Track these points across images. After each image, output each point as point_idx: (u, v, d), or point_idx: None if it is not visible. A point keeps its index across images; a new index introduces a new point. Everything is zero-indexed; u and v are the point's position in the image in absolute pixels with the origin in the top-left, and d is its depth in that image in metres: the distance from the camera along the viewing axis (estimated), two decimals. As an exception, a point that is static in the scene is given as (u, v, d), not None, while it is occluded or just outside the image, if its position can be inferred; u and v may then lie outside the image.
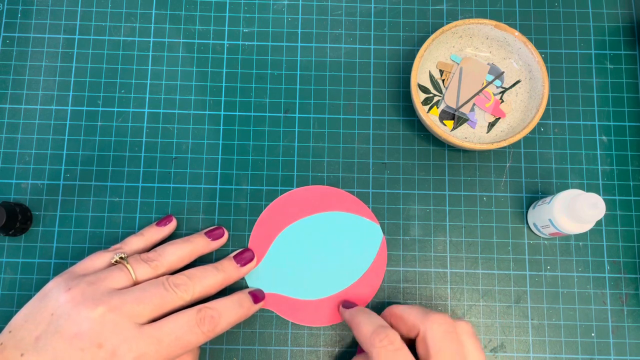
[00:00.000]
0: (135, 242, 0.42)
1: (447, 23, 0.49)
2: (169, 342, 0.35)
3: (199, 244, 0.42)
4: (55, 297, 0.35)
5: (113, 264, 0.39)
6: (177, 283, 0.38)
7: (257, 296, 0.42)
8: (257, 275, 0.44)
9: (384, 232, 0.45)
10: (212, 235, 0.43)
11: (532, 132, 0.48)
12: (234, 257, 0.43)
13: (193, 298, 0.38)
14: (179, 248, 0.41)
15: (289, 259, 0.45)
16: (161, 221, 0.44)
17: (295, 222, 0.45)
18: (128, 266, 0.38)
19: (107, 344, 0.34)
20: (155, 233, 0.43)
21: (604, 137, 0.48)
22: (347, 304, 0.42)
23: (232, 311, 0.39)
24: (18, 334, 0.34)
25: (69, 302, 0.35)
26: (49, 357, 0.33)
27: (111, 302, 0.35)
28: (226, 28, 0.50)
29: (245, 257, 0.43)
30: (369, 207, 0.46)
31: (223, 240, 0.44)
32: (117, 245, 0.41)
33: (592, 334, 0.44)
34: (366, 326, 0.37)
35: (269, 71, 0.49)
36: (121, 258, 0.39)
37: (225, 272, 0.41)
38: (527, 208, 0.46)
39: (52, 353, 0.33)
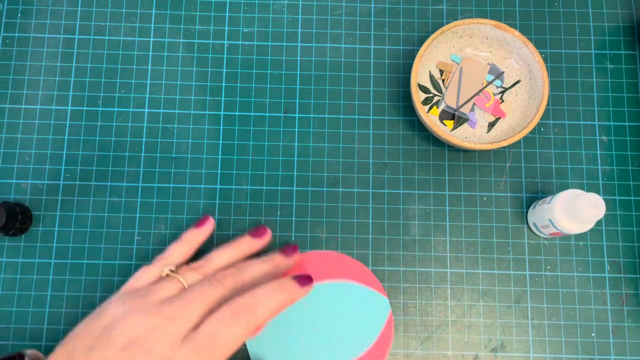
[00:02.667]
0: (178, 251, 0.41)
1: (447, 23, 0.49)
2: (206, 346, 0.34)
3: (244, 245, 0.42)
4: (110, 311, 0.36)
5: (164, 277, 0.39)
6: (224, 275, 0.37)
7: (303, 279, 0.39)
8: (258, 344, 0.42)
9: (390, 304, 0.44)
10: (256, 234, 0.43)
11: (532, 132, 0.48)
12: (281, 250, 0.42)
13: (237, 286, 0.37)
14: (226, 251, 0.40)
15: (291, 328, 0.42)
16: (199, 223, 0.43)
17: None
18: (179, 277, 0.37)
19: (156, 350, 0.34)
20: (195, 235, 0.42)
21: (604, 137, 0.48)
22: None
23: (272, 296, 0.36)
24: (70, 345, 0.35)
25: (121, 314, 0.35)
26: None
27: (163, 311, 0.35)
28: (226, 28, 0.50)
29: (290, 249, 0.42)
30: (371, 271, 0.45)
31: (267, 238, 0.43)
32: (160, 256, 0.40)
33: (592, 334, 0.44)
34: None
35: (269, 71, 0.49)
36: (171, 271, 0.38)
37: (273, 260, 0.41)
38: (527, 208, 0.46)
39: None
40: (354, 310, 0.43)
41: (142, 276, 0.39)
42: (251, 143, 0.47)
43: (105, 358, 0.34)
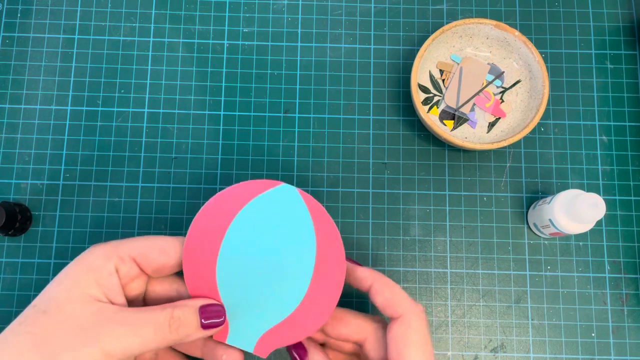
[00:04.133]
0: None
1: (447, 23, 0.49)
2: None
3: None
4: None
5: None
6: None
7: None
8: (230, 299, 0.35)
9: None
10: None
11: (532, 132, 0.48)
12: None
13: None
14: None
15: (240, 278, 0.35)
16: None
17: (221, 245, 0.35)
18: None
19: None
20: None
21: (604, 137, 0.48)
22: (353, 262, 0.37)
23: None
24: None
25: None
26: None
27: None
28: (226, 28, 0.50)
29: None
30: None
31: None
32: None
33: (593, 334, 0.44)
34: (404, 293, 0.35)
35: (269, 71, 0.49)
36: None
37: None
38: (527, 208, 0.46)
39: None
40: (278, 219, 0.36)
41: None
42: (251, 143, 0.47)
43: None
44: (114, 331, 0.30)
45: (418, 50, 0.44)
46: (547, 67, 0.48)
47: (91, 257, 0.33)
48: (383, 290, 0.35)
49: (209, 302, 0.34)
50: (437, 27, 0.49)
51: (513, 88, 0.47)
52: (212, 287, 0.35)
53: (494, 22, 0.45)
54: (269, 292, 0.35)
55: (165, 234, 0.45)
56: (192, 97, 0.48)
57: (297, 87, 0.48)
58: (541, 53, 0.49)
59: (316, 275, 0.36)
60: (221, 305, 0.34)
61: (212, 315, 0.33)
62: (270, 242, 0.36)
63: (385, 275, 0.36)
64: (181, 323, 0.32)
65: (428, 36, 0.45)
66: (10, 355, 0.29)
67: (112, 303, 0.32)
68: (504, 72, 0.47)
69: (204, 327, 0.33)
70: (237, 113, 0.48)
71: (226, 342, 0.35)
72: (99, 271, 0.32)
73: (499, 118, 0.46)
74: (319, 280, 0.35)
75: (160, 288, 0.36)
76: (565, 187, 0.47)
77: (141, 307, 0.33)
